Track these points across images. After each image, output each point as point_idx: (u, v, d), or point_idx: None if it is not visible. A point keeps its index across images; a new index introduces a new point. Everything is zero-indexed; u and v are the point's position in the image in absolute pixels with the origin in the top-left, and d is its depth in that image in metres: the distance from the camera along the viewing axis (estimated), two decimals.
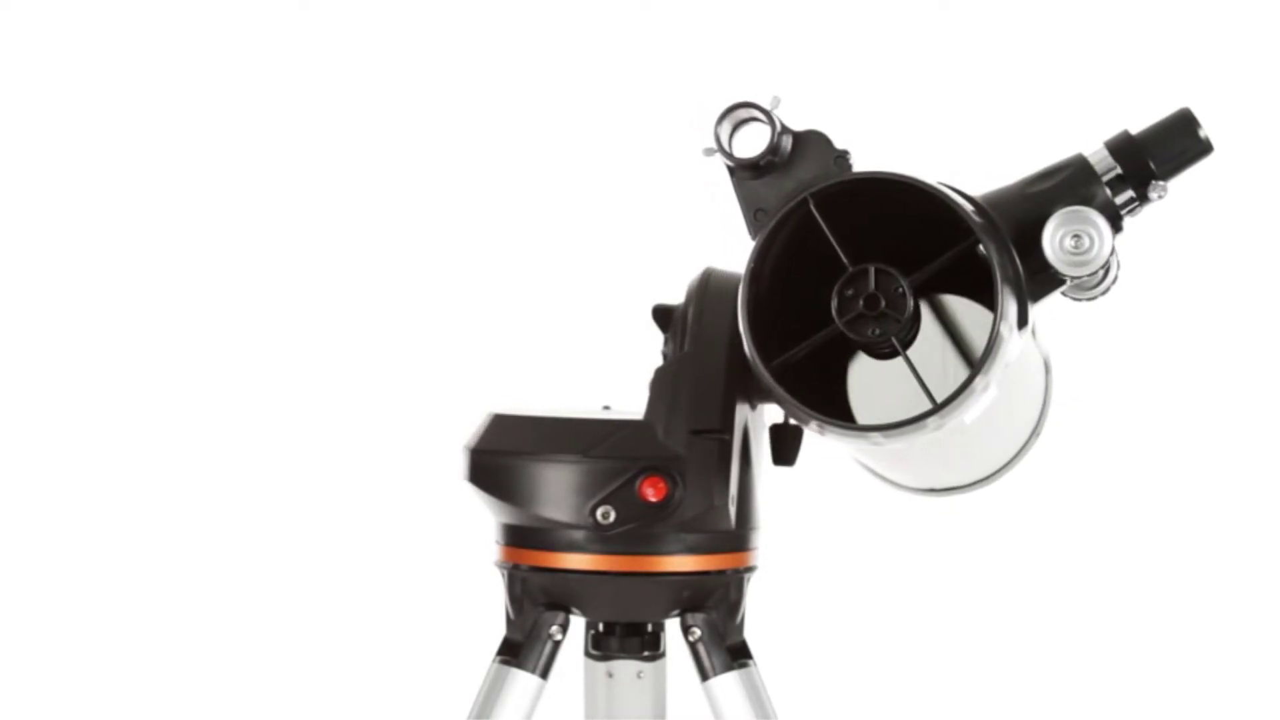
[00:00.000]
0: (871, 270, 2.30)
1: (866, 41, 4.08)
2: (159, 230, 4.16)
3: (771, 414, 2.52)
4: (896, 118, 3.91)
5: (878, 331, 2.31)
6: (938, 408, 2.26)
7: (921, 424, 2.27)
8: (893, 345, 2.31)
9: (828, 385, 2.41)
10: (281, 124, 4.16)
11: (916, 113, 3.98)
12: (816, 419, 2.30)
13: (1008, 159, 2.49)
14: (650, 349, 2.52)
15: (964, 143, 3.92)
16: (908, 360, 2.30)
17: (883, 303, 2.30)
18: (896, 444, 2.32)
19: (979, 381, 2.27)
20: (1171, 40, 4.00)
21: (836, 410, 2.36)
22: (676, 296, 2.51)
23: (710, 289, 2.49)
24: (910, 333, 2.33)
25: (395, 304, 4.13)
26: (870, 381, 2.42)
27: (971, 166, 2.42)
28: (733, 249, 2.48)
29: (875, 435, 2.30)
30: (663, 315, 2.51)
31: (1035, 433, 2.64)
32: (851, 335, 2.31)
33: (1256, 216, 4.02)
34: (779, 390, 2.29)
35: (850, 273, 2.30)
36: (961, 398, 2.26)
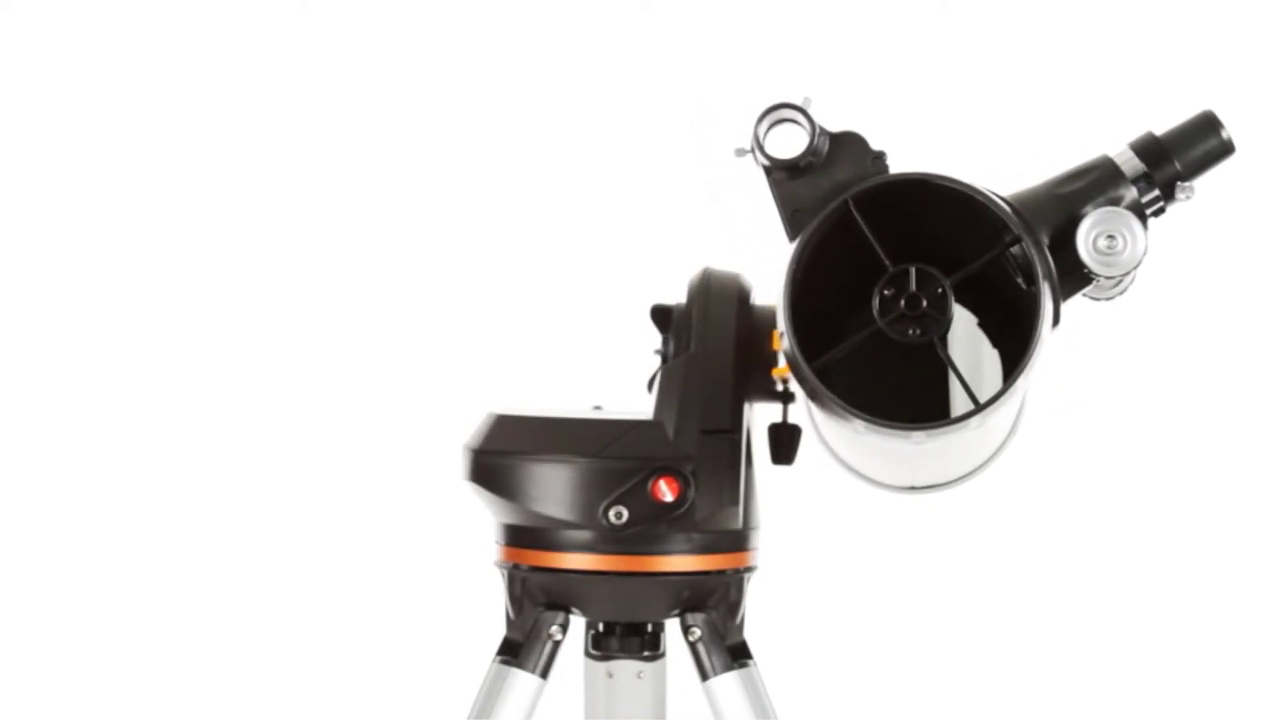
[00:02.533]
0: (913, 270, 2.31)
1: (870, 41, 4.08)
2: (158, 230, 4.15)
3: (765, 413, 2.52)
4: (899, 119, 3.89)
5: (918, 331, 2.31)
6: (981, 407, 2.27)
7: (964, 423, 2.28)
8: (930, 344, 2.31)
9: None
10: (281, 124, 4.16)
11: (918, 114, 3.98)
12: (863, 419, 2.30)
13: (1012, 159, 2.49)
14: (643, 348, 2.51)
15: (967, 143, 3.92)
16: (949, 359, 2.31)
17: (924, 303, 2.31)
18: (934, 444, 2.33)
19: (1020, 381, 2.28)
20: (1171, 39, 4.00)
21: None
22: (671, 296, 2.50)
23: (713, 289, 2.48)
24: (945, 333, 2.34)
25: (394, 304, 4.13)
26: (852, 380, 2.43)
27: (975, 167, 2.42)
28: (732, 249, 2.48)
29: (918, 435, 2.31)
30: (662, 315, 2.51)
31: (1013, 430, 2.65)
32: (892, 335, 2.31)
33: (1263, 216, 4.02)
34: (823, 390, 2.29)
35: (891, 273, 2.31)
36: (1005, 397, 2.27)
